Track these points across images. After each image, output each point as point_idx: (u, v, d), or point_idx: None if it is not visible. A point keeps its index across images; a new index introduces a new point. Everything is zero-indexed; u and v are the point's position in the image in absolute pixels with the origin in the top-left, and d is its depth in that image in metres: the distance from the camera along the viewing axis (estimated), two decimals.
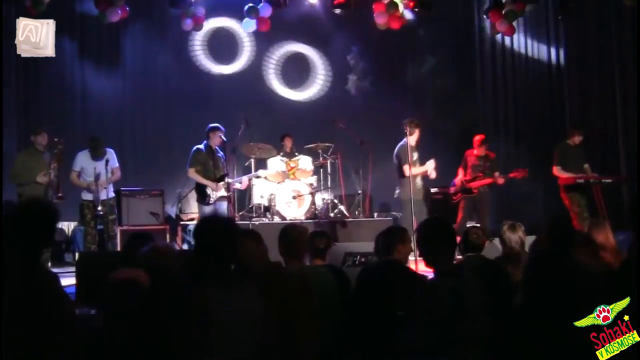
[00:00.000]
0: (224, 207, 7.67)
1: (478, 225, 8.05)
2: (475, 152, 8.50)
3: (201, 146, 7.75)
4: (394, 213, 9.68)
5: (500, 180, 8.35)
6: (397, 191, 7.99)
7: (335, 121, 9.47)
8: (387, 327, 3.41)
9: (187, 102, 10.25)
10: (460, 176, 8.52)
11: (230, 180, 7.77)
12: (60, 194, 7.23)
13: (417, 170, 7.75)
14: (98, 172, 7.45)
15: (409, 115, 8.12)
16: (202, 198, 7.73)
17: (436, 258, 3.22)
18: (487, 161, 8.47)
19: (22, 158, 7.43)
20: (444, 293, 3.05)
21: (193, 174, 7.73)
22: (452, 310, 2.99)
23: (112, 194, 7.83)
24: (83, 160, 7.61)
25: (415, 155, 7.82)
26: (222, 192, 7.66)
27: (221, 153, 7.81)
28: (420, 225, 3.44)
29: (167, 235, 8.57)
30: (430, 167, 7.77)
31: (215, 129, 7.64)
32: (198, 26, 9.65)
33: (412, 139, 7.68)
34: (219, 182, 7.62)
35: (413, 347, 3.05)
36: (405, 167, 7.56)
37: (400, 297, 3.51)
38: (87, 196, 7.56)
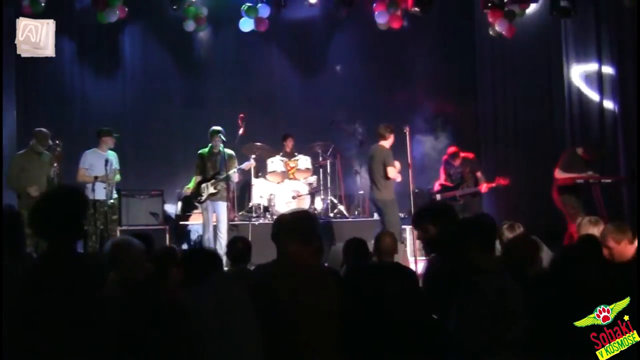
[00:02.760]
0: (218, 207, 7.87)
1: None
2: (453, 162, 8.65)
3: (204, 150, 8.01)
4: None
5: (484, 189, 8.42)
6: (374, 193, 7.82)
7: (334, 121, 9.48)
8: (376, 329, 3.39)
9: (187, 102, 10.25)
10: (441, 180, 8.67)
11: (232, 171, 7.93)
12: None
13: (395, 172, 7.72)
14: (110, 160, 7.58)
15: (408, 116, 8.13)
16: (195, 197, 8.07)
17: (478, 257, 3.19)
18: (466, 166, 8.58)
19: (18, 160, 7.37)
20: (490, 292, 3.01)
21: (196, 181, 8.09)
22: (497, 310, 2.96)
23: (115, 195, 7.85)
24: (91, 157, 7.65)
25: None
26: (211, 190, 7.85)
27: (222, 153, 7.87)
28: (460, 225, 3.43)
29: (167, 236, 8.57)
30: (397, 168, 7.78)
31: (213, 132, 7.86)
32: (201, 27, 9.63)
33: (388, 143, 7.71)
34: (209, 181, 7.87)
35: (458, 348, 3.02)
36: (389, 169, 7.55)
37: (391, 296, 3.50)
38: (93, 195, 7.49)
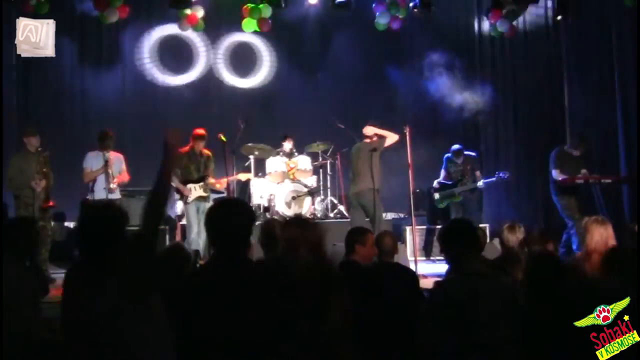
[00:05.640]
0: (204, 207, 7.77)
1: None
2: (456, 159, 8.64)
3: (185, 148, 7.87)
4: (392, 214, 9.70)
5: (481, 184, 8.44)
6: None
7: (334, 121, 9.46)
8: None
9: (188, 102, 10.25)
10: (440, 177, 8.68)
11: (212, 181, 7.98)
12: (50, 203, 7.23)
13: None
14: (107, 159, 7.61)
15: (409, 116, 8.14)
16: (180, 197, 8.07)
17: (459, 258, 3.21)
18: (467, 164, 8.57)
19: (15, 162, 7.36)
20: (460, 293, 3.01)
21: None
22: (468, 312, 2.95)
23: (119, 196, 7.85)
24: (92, 158, 7.68)
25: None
26: (200, 192, 7.88)
27: (204, 156, 7.98)
28: (445, 226, 3.47)
29: (167, 236, 8.56)
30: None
31: (198, 137, 7.85)
32: (197, 26, 9.62)
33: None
34: (197, 183, 7.88)
35: (431, 350, 3.00)
36: (389, 138, 7.65)
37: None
38: (92, 196, 7.53)
